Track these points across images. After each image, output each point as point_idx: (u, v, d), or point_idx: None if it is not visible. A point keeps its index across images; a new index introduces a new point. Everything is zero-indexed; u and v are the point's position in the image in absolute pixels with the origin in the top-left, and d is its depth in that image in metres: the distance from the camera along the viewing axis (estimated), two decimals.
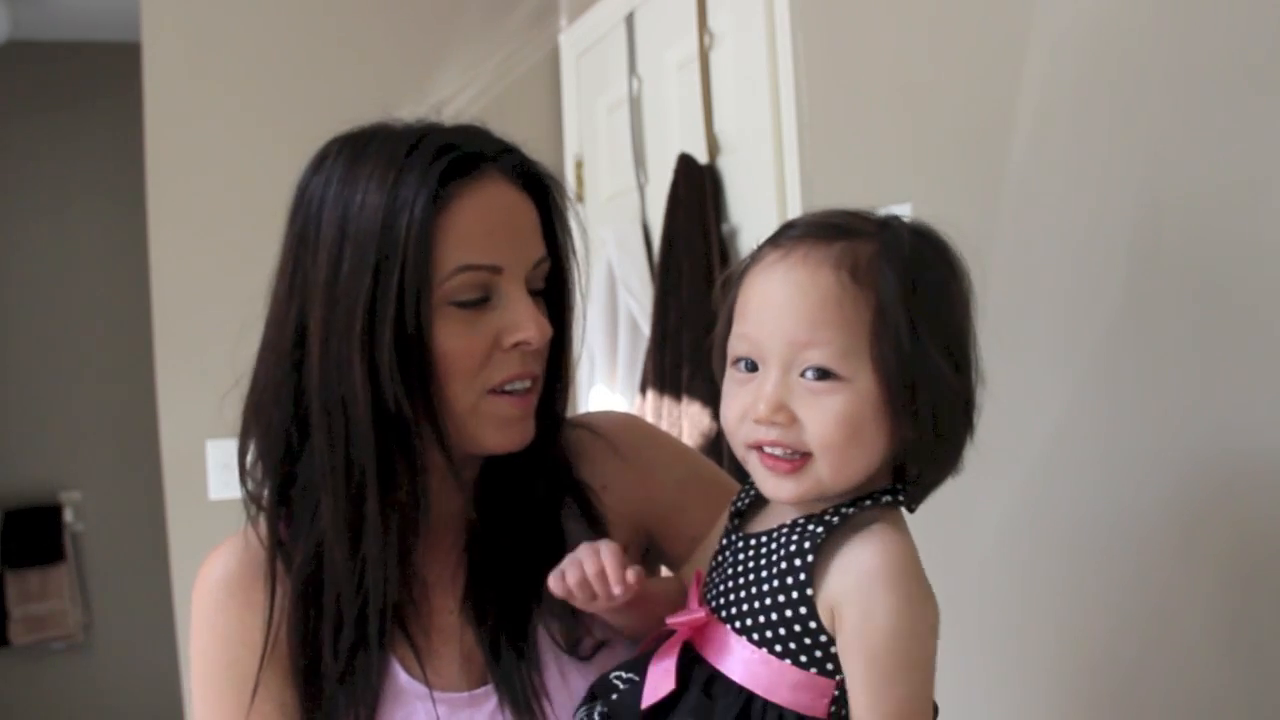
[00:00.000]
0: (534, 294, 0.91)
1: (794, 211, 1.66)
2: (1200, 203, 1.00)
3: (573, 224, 0.97)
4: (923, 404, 0.78)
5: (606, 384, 2.24)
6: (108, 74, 3.59)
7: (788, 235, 0.82)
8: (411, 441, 0.87)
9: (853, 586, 0.76)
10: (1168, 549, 1.05)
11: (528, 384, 0.89)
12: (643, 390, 1.94)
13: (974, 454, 1.31)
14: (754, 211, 1.80)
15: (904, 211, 1.38)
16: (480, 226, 0.87)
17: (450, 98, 2.50)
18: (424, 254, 0.84)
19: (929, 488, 0.84)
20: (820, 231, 0.80)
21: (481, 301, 0.87)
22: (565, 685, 0.90)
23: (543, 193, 0.94)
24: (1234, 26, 0.96)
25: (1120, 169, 1.08)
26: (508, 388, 0.88)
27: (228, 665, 0.90)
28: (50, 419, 3.79)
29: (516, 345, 0.87)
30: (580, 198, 2.53)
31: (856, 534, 0.77)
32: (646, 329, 2.03)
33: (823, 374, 0.77)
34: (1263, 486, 0.95)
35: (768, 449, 0.78)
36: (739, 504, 0.88)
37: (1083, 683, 1.16)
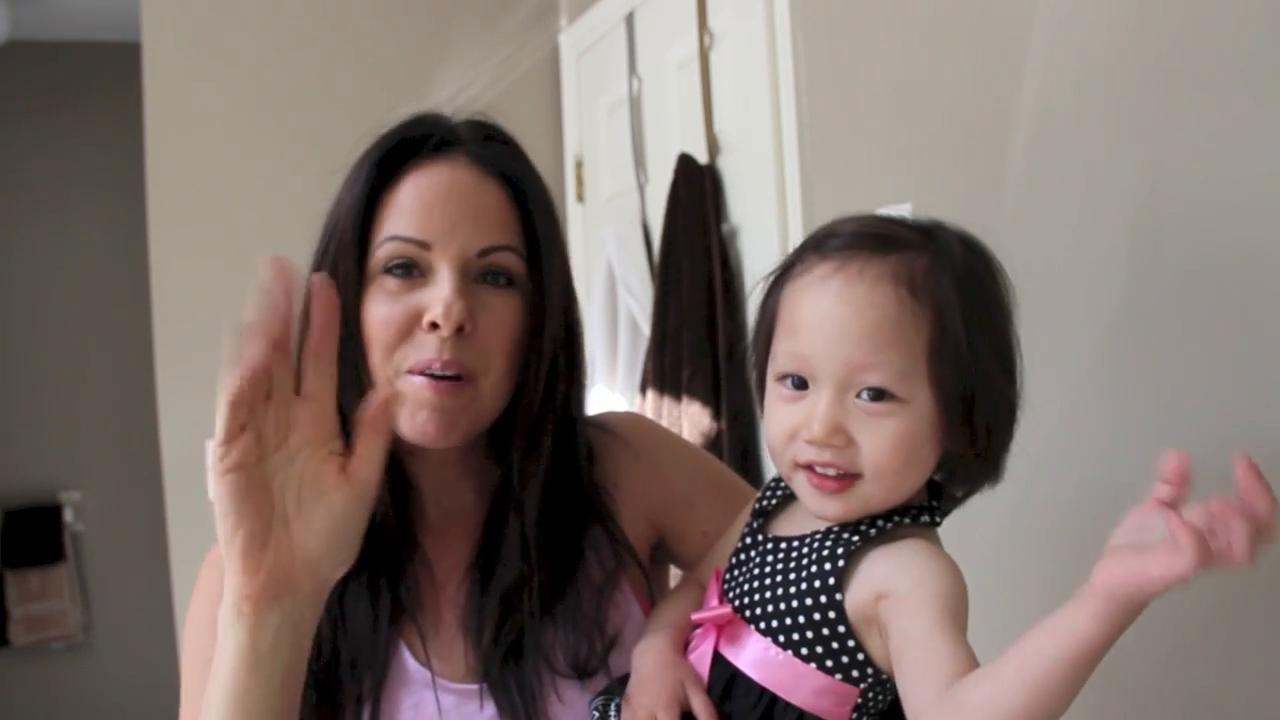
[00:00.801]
0: (494, 286, 0.90)
1: (794, 211, 1.66)
2: (1200, 202, 1.00)
3: (566, 222, 0.97)
4: (979, 417, 0.77)
5: (606, 384, 2.24)
6: (108, 74, 3.59)
7: (833, 245, 0.79)
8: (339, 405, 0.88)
9: (893, 571, 0.75)
10: None
11: (447, 372, 0.87)
12: (643, 390, 1.95)
13: None
14: (754, 211, 1.80)
15: (904, 211, 1.39)
16: (416, 201, 0.89)
17: (450, 98, 2.50)
18: (359, 222, 0.89)
19: (966, 498, 0.83)
20: (872, 243, 0.78)
21: (411, 275, 0.89)
22: (579, 686, 0.90)
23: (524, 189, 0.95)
24: (1234, 26, 0.96)
25: (1119, 169, 1.08)
26: (425, 371, 0.88)
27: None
28: (50, 419, 3.79)
29: (433, 327, 0.87)
30: (580, 198, 2.53)
31: (890, 544, 0.77)
32: (646, 329, 2.03)
33: (879, 394, 0.75)
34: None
35: (819, 469, 0.77)
36: (764, 503, 0.87)
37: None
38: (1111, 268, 1.09)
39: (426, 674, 0.89)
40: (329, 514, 0.79)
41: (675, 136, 2.05)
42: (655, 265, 2.02)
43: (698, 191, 1.88)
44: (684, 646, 0.85)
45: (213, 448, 0.77)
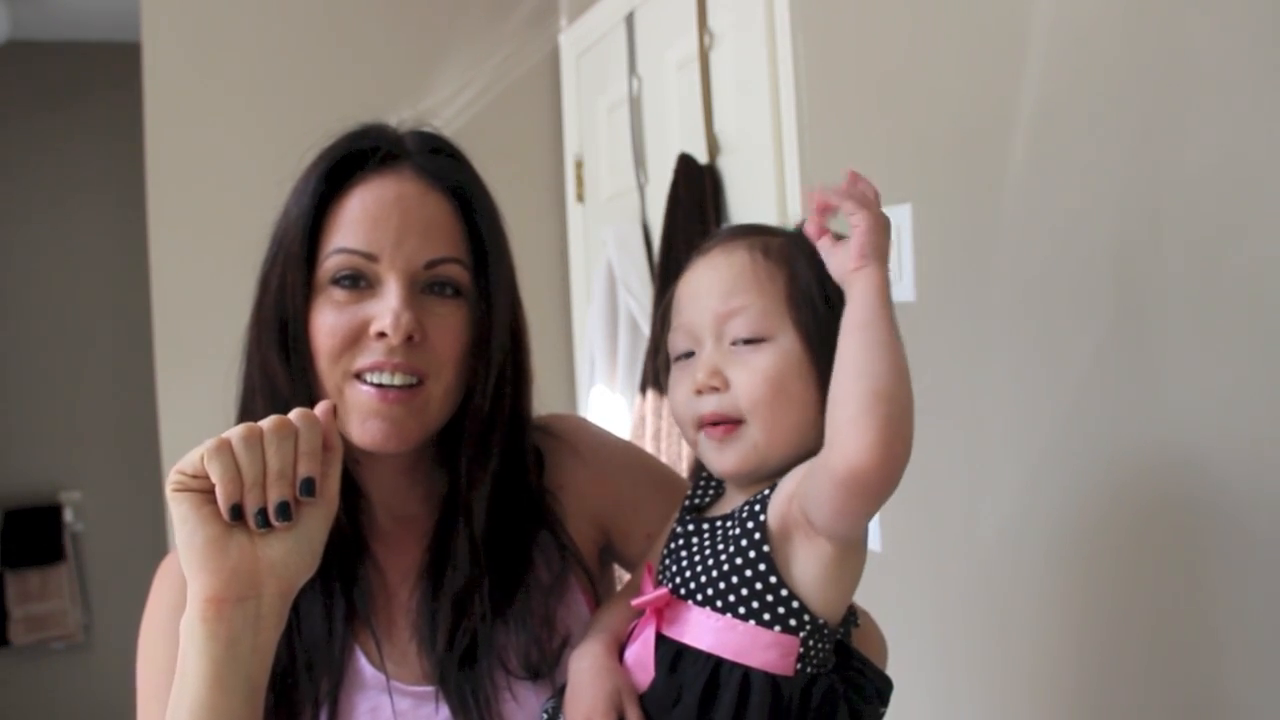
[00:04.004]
0: (440, 296, 0.91)
1: (794, 211, 1.66)
2: (1199, 201, 1.00)
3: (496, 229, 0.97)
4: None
5: (606, 384, 2.24)
6: (108, 74, 3.59)
7: (705, 244, 0.90)
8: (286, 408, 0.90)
9: (795, 473, 0.80)
10: (1163, 549, 1.05)
11: (394, 379, 0.89)
12: (643, 390, 1.95)
13: (974, 452, 1.31)
14: (754, 211, 1.80)
15: (904, 212, 1.39)
16: (363, 214, 0.90)
17: (450, 97, 2.51)
18: (306, 234, 0.90)
19: None
20: (734, 232, 0.90)
21: (358, 287, 0.90)
22: (532, 686, 0.91)
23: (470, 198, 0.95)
24: (1233, 25, 0.96)
25: (1119, 169, 1.08)
26: (370, 377, 0.89)
27: (173, 634, 0.89)
28: (50, 419, 3.80)
29: (380, 335, 0.88)
30: (580, 198, 2.54)
31: None
32: (646, 329, 2.03)
33: (749, 341, 0.83)
34: (1259, 487, 0.95)
35: (709, 420, 0.84)
36: (696, 500, 0.91)
37: (1078, 685, 1.16)
38: (1111, 267, 1.09)
39: (382, 678, 0.90)
40: (292, 527, 0.79)
41: (675, 136, 2.05)
42: (655, 265, 2.02)
43: (698, 191, 1.88)
44: (620, 650, 0.87)
45: (175, 469, 0.77)
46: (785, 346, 0.83)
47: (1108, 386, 1.10)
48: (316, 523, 0.80)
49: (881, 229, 0.77)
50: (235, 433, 0.77)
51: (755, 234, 0.89)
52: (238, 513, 0.77)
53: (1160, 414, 1.05)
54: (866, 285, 0.75)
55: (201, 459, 0.76)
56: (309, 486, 0.78)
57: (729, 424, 0.83)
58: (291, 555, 0.79)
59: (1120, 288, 1.08)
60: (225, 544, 0.77)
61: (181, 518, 0.77)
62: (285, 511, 0.77)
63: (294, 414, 0.80)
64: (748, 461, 0.83)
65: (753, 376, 0.82)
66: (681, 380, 0.86)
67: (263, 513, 0.77)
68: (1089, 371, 1.12)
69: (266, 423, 0.78)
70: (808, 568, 0.79)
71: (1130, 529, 1.09)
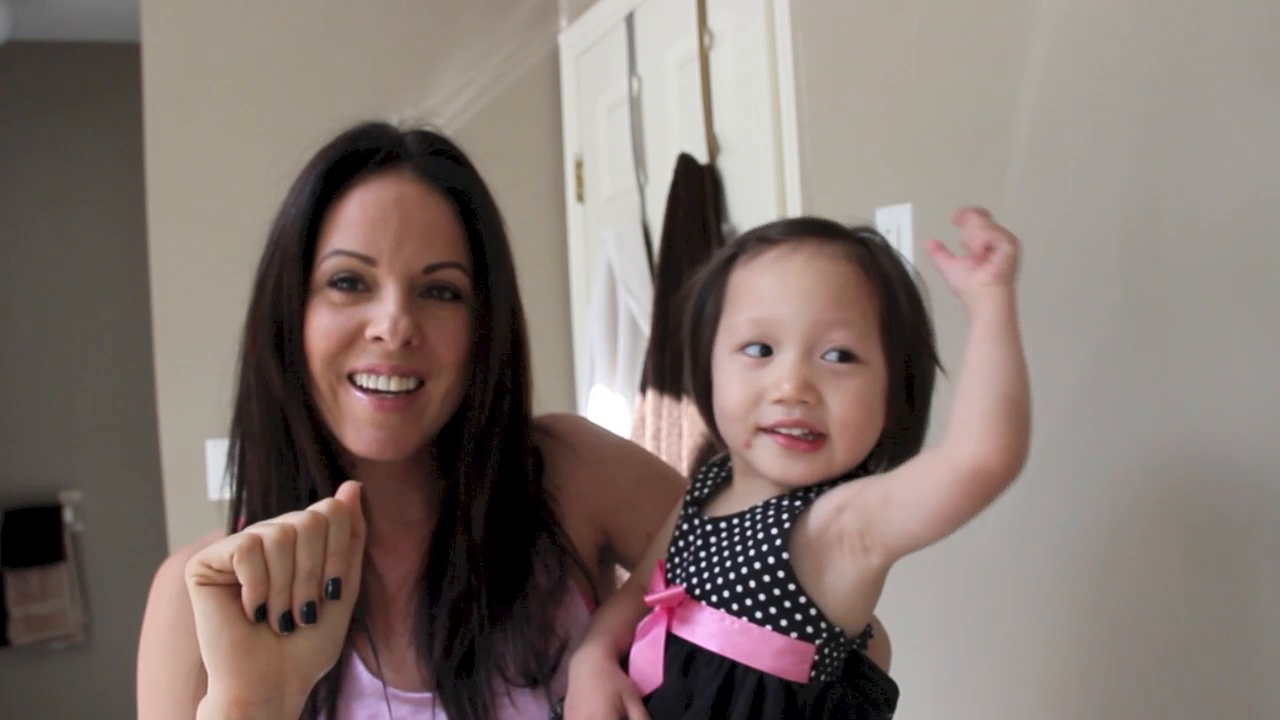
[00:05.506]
0: (439, 300, 0.90)
1: (794, 211, 1.66)
2: (1199, 201, 1.00)
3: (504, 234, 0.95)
4: (918, 390, 0.84)
5: (606, 384, 2.24)
6: (108, 74, 3.59)
7: (777, 233, 0.86)
8: (284, 415, 0.89)
9: (847, 486, 0.80)
10: (1167, 548, 1.05)
11: (390, 383, 0.87)
12: (643, 390, 1.95)
13: None
14: (754, 211, 1.80)
15: (904, 212, 1.39)
16: (362, 216, 0.89)
17: (450, 97, 2.51)
18: (304, 235, 0.89)
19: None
20: (819, 229, 0.86)
21: (355, 289, 0.88)
22: (530, 692, 0.91)
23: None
24: (1233, 26, 0.96)
25: (1119, 169, 1.08)
26: (365, 381, 0.88)
27: (171, 654, 0.89)
28: (50, 419, 3.79)
29: (376, 340, 0.87)
30: (580, 198, 2.54)
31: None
32: (646, 329, 2.03)
33: (844, 356, 0.81)
34: (1261, 485, 0.95)
35: (785, 430, 0.81)
36: (697, 493, 0.90)
37: (1083, 685, 1.16)
38: (1110, 267, 1.09)
39: (379, 684, 0.90)
40: (315, 626, 0.77)
41: (675, 136, 2.05)
42: (655, 265, 2.02)
43: (698, 191, 1.88)
44: (619, 653, 0.86)
45: (199, 561, 0.74)
46: (876, 373, 0.82)
47: (1108, 385, 1.10)
48: (339, 616, 0.78)
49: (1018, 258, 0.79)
50: (269, 535, 0.74)
51: (842, 236, 0.86)
52: (262, 614, 0.75)
53: (1160, 413, 1.05)
54: (998, 302, 0.76)
55: (231, 557, 0.73)
56: (336, 588, 0.76)
57: (814, 439, 0.81)
58: (317, 653, 0.77)
59: (1120, 287, 1.08)
60: (252, 645, 0.75)
61: (205, 614, 0.74)
62: (311, 613, 0.76)
63: (324, 507, 0.77)
64: (818, 474, 0.82)
65: (849, 398, 0.80)
66: (750, 378, 0.82)
67: (287, 614, 0.75)
68: (1089, 371, 1.12)
69: (300, 523, 0.75)
70: (841, 581, 0.78)
71: (1132, 528, 1.09)
